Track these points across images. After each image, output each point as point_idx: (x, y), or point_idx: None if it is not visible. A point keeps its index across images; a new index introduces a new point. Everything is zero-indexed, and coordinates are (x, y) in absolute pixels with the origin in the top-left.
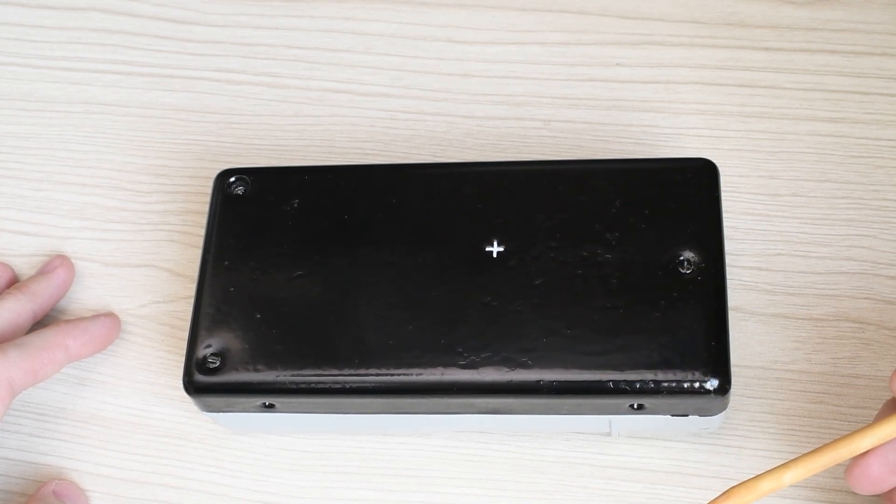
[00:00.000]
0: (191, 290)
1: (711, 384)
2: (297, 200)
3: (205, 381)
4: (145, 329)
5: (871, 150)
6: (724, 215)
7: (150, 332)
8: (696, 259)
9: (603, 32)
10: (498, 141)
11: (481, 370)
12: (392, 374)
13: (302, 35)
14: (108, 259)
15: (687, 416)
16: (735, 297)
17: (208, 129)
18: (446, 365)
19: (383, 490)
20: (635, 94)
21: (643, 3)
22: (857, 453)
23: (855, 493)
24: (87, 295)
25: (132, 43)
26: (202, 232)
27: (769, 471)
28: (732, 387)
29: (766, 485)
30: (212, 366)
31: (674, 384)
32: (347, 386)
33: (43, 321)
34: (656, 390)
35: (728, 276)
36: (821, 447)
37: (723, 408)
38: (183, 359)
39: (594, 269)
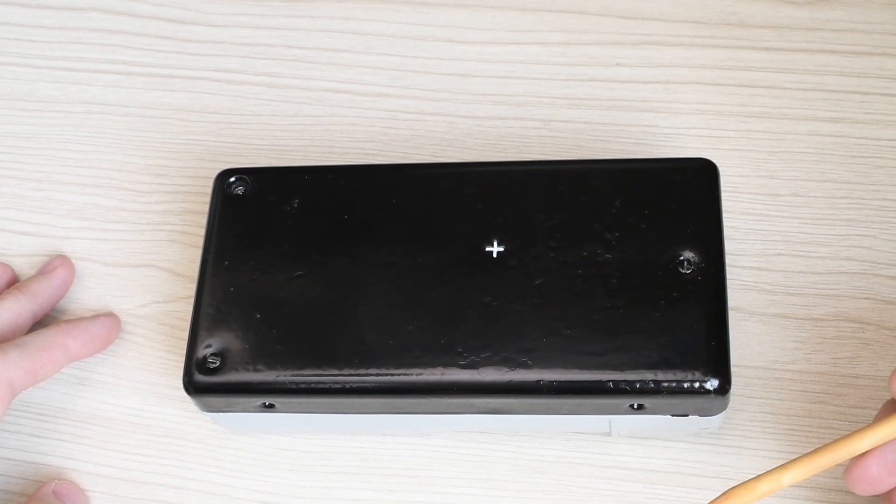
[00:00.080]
0: (191, 290)
1: (711, 384)
2: (297, 200)
3: (205, 381)
4: (145, 329)
5: (871, 150)
6: (724, 215)
7: (150, 332)
8: (696, 259)
9: (603, 32)
10: (498, 141)
11: (481, 370)
12: (392, 374)
13: (302, 35)
14: (108, 259)
15: (687, 416)
16: (735, 297)
17: (208, 129)
18: (446, 365)
19: (383, 490)
20: (635, 94)
21: (643, 3)
22: (856, 454)
23: (854, 494)
24: (87, 295)
25: (132, 43)
26: (202, 232)
27: (768, 472)
28: (732, 387)
29: (765, 485)
30: (212, 366)
31: (674, 384)
32: (347, 386)
33: (43, 321)
34: (656, 390)
35: (728, 276)
36: (819, 448)
37: (723, 408)
38: (183, 359)
39: (594, 269)
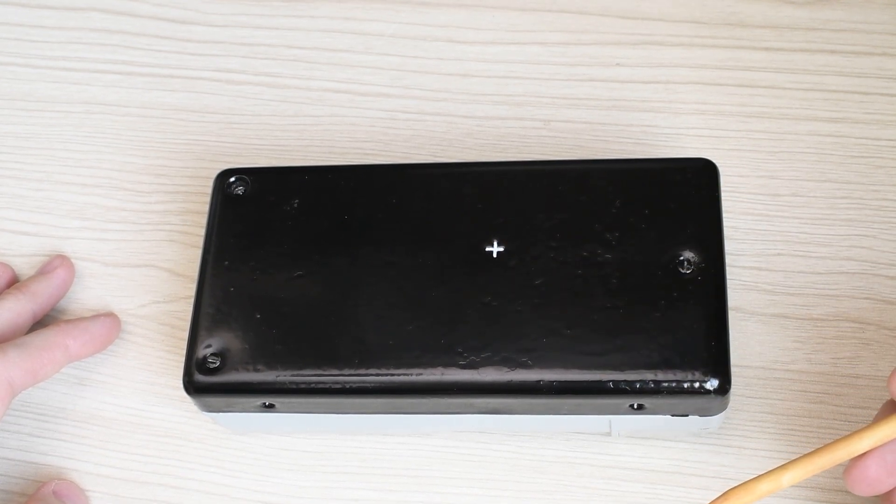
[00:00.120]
0: (191, 290)
1: (711, 384)
2: (297, 200)
3: (205, 381)
4: (145, 329)
5: (871, 150)
6: (724, 215)
7: (150, 332)
8: (696, 259)
9: (603, 32)
10: (498, 141)
11: (481, 370)
12: (392, 374)
13: (302, 35)
14: (108, 259)
15: (687, 416)
16: (735, 297)
17: (208, 129)
18: (446, 365)
19: (383, 490)
20: (635, 94)
21: (643, 3)
22: (856, 455)
23: (854, 494)
24: (87, 295)
25: (132, 43)
26: (202, 232)
27: (767, 472)
28: (732, 387)
29: (765, 486)
30: (212, 366)
31: (674, 384)
32: (347, 386)
33: (43, 321)
34: (656, 390)
35: (728, 276)
36: (819, 449)
37: (723, 408)
38: (183, 359)
39: (594, 269)
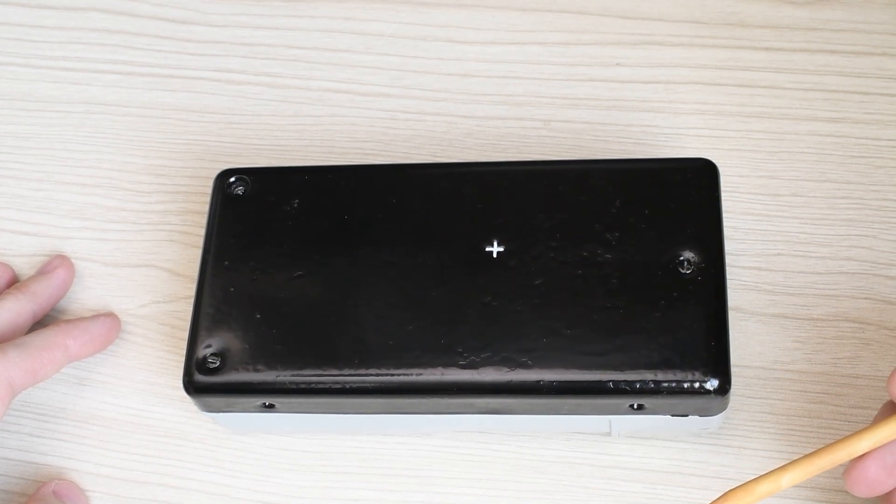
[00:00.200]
0: (191, 290)
1: (711, 384)
2: (297, 200)
3: (205, 381)
4: (145, 329)
5: (871, 150)
6: (724, 215)
7: (150, 332)
8: (696, 259)
9: (603, 32)
10: (498, 141)
11: (481, 370)
12: (392, 374)
13: (302, 35)
14: (108, 259)
15: (687, 416)
16: (735, 297)
17: (208, 129)
18: (446, 365)
19: (383, 490)
20: (635, 94)
21: (643, 3)
22: (855, 456)
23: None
24: (87, 295)
25: (132, 43)
26: (202, 232)
27: (767, 473)
28: (732, 387)
29: (764, 487)
30: (212, 366)
31: (674, 384)
32: (347, 386)
33: (43, 321)
34: (656, 390)
35: (728, 276)
36: (818, 450)
37: (723, 408)
38: (183, 359)
39: (594, 269)
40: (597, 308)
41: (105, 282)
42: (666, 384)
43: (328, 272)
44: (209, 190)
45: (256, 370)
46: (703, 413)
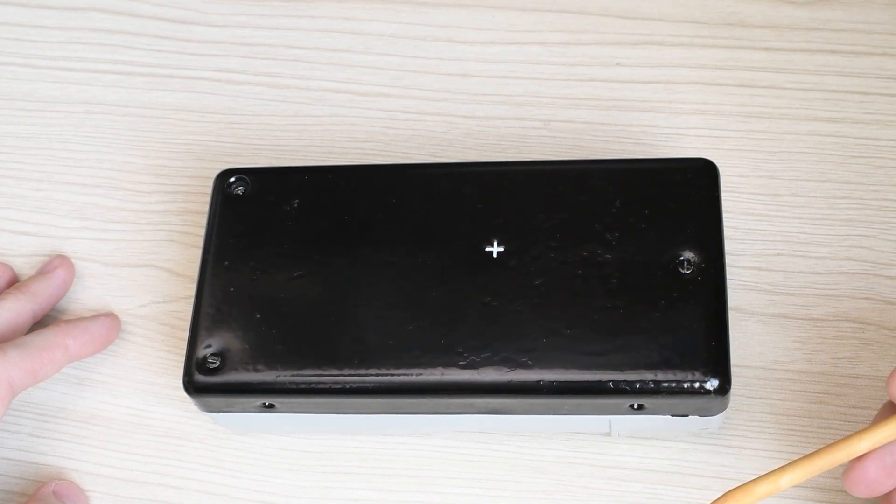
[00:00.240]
0: (191, 290)
1: (711, 384)
2: (297, 200)
3: (205, 381)
4: (145, 329)
5: (871, 150)
6: (724, 215)
7: (150, 332)
8: (696, 259)
9: (603, 32)
10: (498, 141)
11: (481, 370)
12: (392, 374)
13: (302, 35)
14: (108, 259)
15: (687, 416)
16: (735, 297)
17: (208, 129)
18: (446, 365)
19: (383, 490)
20: (635, 94)
21: (643, 3)
22: (855, 456)
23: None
24: (87, 295)
25: (132, 43)
26: (202, 232)
27: (766, 474)
28: (732, 387)
29: (763, 488)
30: (212, 366)
31: (674, 384)
32: (347, 386)
33: (43, 321)
34: (656, 390)
35: (728, 276)
36: (818, 450)
37: (723, 408)
38: (183, 359)
39: (594, 269)
40: (597, 308)
41: (105, 282)
42: (666, 384)
43: (328, 272)
44: (209, 190)
45: (256, 370)
46: (703, 413)
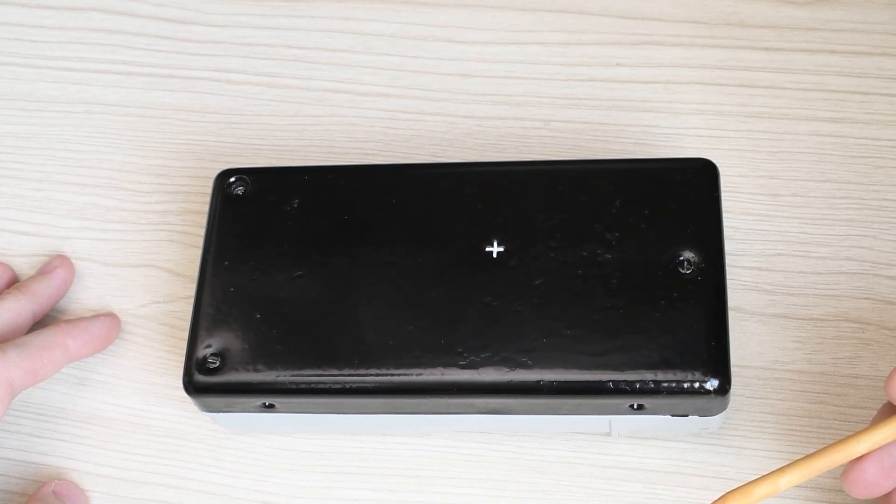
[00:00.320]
0: (191, 290)
1: (711, 384)
2: (297, 200)
3: (205, 381)
4: (145, 329)
5: (871, 150)
6: (724, 215)
7: (150, 332)
8: (696, 259)
9: (603, 32)
10: (498, 141)
11: (481, 370)
12: (392, 375)
13: (302, 35)
14: (108, 259)
15: (687, 416)
16: (735, 297)
17: (208, 129)
18: (446, 365)
19: (383, 490)
20: (635, 94)
21: (643, 3)
22: (853, 457)
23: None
24: (87, 295)
25: (132, 43)
26: (202, 232)
27: (765, 475)
28: (732, 387)
29: (762, 489)
30: (212, 366)
31: (674, 384)
32: (347, 386)
33: (43, 321)
34: (656, 390)
35: (728, 276)
36: (817, 451)
37: (723, 408)
38: (183, 359)
39: (594, 269)
40: (597, 308)
41: (105, 282)
42: (666, 384)
43: (328, 272)
44: (209, 190)
45: (256, 370)
46: (703, 413)
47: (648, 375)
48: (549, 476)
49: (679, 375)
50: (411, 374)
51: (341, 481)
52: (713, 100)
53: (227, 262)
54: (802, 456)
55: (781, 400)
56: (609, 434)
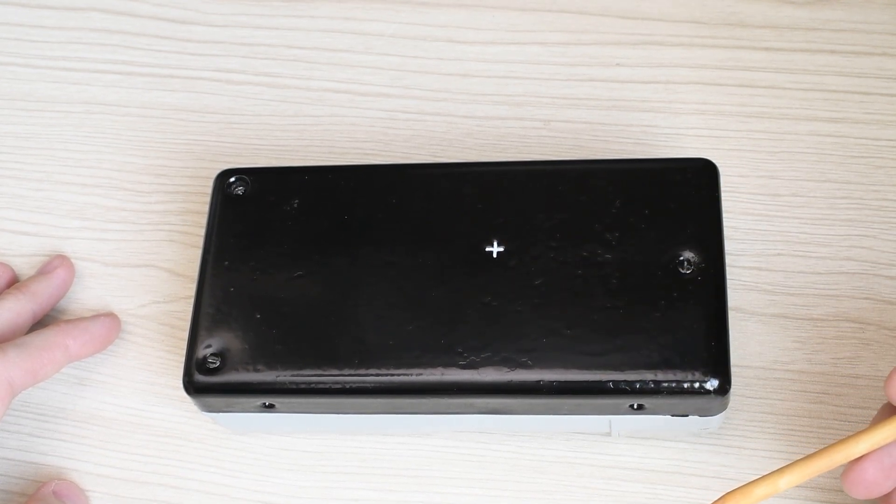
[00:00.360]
0: (191, 290)
1: (711, 384)
2: (297, 200)
3: (205, 381)
4: (145, 329)
5: (871, 150)
6: (724, 215)
7: (150, 332)
8: (696, 259)
9: (603, 32)
10: (498, 141)
11: (481, 370)
12: (392, 375)
13: (302, 35)
14: (108, 259)
15: (687, 416)
16: (735, 297)
17: (208, 129)
18: (446, 365)
19: (383, 490)
20: (635, 94)
21: (643, 3)
22: (853, 458)
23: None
24: (87, 295)
25: (132, 43)
26: (202, 232)
27: (764, 476)
28: (732, 387)
29: (762, 490)
30: (212, 366)
31: (674, 384)
32: (347, 386)
33: (43, 321)
34: (656, 390)
35: (728, 276)
36: (816, 452)
37: (723, 408)
38: (183, 359)
39: (594, 269)
40: (597, 308)
41: (105, 282)
42: (666, 384)
43: (328, 272)
44: (209, 190)
45: (256, 370)
46: (703, 413)
47: (648, 375)
48: (549, 476)
49: (679, 375)
50: (411, 374)
51: (341, 481)
52: (713, 100)
53: (227, 262)
54: (802, 456)
55: (781, 400)
56: (609, 434)
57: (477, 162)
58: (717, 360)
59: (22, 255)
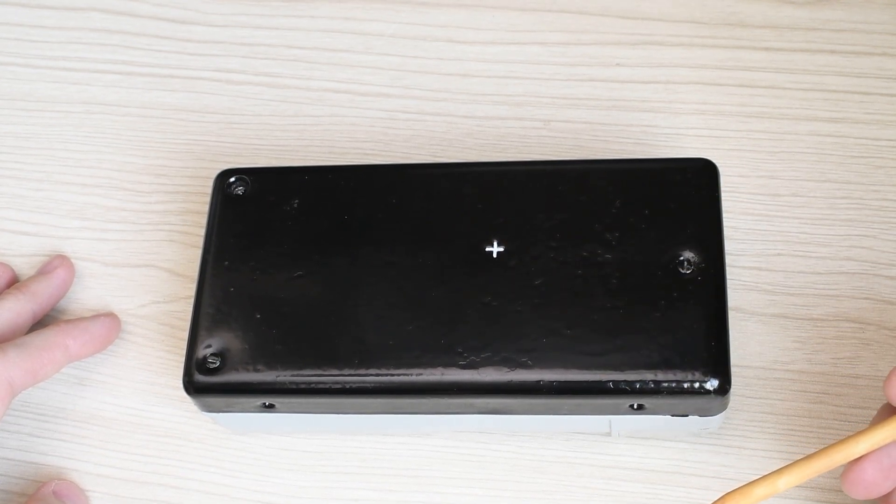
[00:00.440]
0: (191, 290)
1: (711, 384)
2: (297, 200)
3: (205, 381)
4: (145, 329)
5: (871, 150)
6: (724, 215)
7: (150, 332)
8: (696, 259)
9: (603, 32)
10: (498, 141)
11: (481, 370)
12: (392, 375)
13: (302, 35)
14: (108, 259)
15: (687, 416)
16: (735, 297)
17: (208, 129)
18: (446, 365)
19: (383, 490)
20: (635, 94)
21: (643, 3)
22: (852, 458)
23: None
24: (87, 295)
25: (132, 43)
26: (202, 232)
27: (764, 476)
28: (732, 387)
29: (761, 490)
30: (212, 366)
31: (674, 384)
32: (347, 386)
33: (43, 321)
34: (656, 390)
35: (728, 276)
36: (816, 452)
37: (723, 408)
38: (183, 359)
39: (594, 269)
40: (597, 308)
41: (105, 282)
42: (666, 384)
43: (328, 272)
44: (209, 190)
45: (256, 370)
46: (703, 413)
47: (648, 375)
48: (549, 476)
49: (679, 375)
50: (411, 374)
51: (341, 481)
52: (713, 100)
53: (227, 262)
54: (802, 456)
55: (781, 400)
56: (609, 434)
57: (477, 162)
58: (717, 360)
59: (22, 255)
